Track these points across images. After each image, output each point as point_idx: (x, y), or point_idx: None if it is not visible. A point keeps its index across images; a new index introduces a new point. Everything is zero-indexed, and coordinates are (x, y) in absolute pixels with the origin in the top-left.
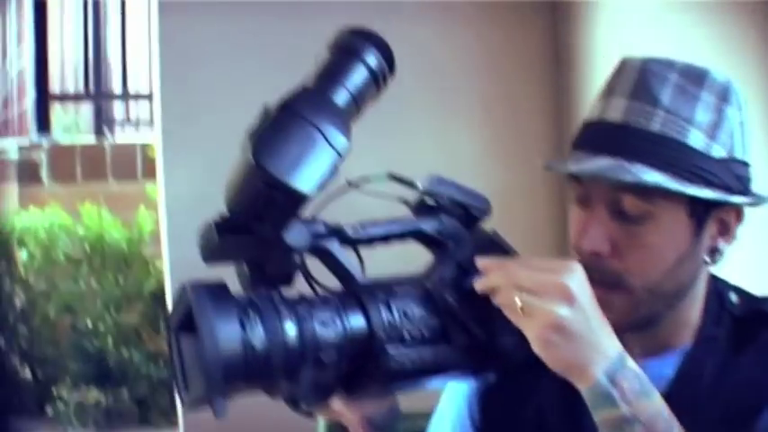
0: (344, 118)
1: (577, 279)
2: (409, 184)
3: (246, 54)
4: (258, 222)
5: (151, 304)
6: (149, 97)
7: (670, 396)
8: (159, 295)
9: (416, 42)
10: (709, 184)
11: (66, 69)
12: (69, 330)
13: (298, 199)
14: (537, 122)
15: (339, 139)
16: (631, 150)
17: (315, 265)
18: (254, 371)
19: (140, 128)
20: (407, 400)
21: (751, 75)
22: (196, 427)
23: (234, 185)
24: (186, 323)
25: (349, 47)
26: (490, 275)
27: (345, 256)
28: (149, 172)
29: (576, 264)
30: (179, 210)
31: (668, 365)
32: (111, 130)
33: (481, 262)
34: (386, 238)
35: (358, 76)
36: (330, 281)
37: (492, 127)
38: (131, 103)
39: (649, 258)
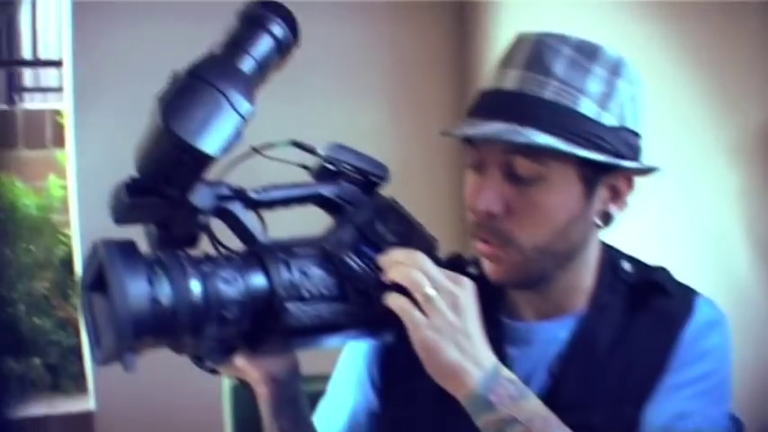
0: (249, 84)
1: (467, 292)
2: (310, 150)
3: (158, 21)
4: (166, 184)
5: (61, 272)
6: (59, 64)
7: (566, 358)
8: (69, 262)
9: (320, 17)
10: (599, 148)
11: None
12: None
13: (203, 160)
14: (438, 93)
15: (243, 104)
16: (524, 115)
17: (219, 229)
18: (161, 326)
19: (51, 96)
20: (309, 363)
21: (658, 72)
22: (105, 393)
23: (143, 148)
24: (98, 282)
25: (256, 17)
26: (396, 264)
27: (248, 217)
28: (60, 139)
29: (469, 280)
30: (89, 177)
31: (563, 328)
32: (22, 98)
33: (393, 254)
34: (287, 202)
35: (263, 45)
36: (233, 244)
37: (393, 98)
38: (42, 70)
39: (540, 218)
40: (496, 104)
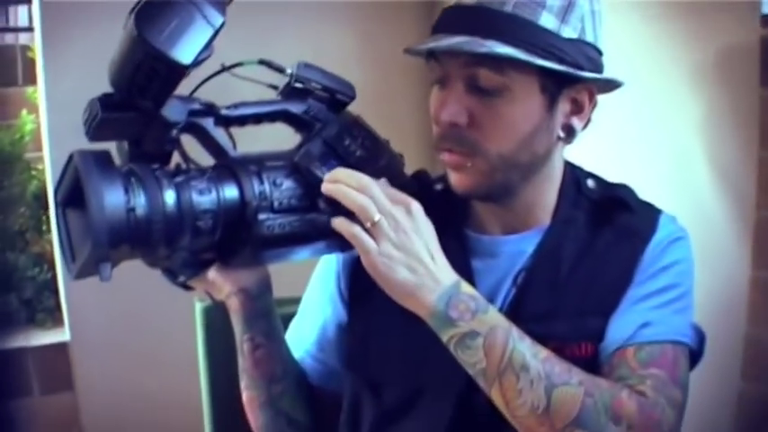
0: None
1: (415, 213)
2: (279, 69)
3: None
4: (140, 96)
5: (34, 207)
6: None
7: (530, 269)
8: (42, 198)
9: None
10: (559, 60)
11: None
12: None
13: (177, 70)
14: (406, 16)
15: (215, 16)
16: (485, 28)
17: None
18: (136, 236)
19: (22, 33)
20: (279, 287)
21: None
22: (80, 325)
23: (117, 61)
24: (72, 195)
25: None
26: (340, 186)
27: (219, 133)
28: (31, 76)
29: (416, 201)
30: (60, 112)
31: (528, 242)
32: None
33: (340, 172)
34: (256, 118)
35: None
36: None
37: (361, 24)
38: (12, 8)
39: (504, 128)
40: (458, 19)
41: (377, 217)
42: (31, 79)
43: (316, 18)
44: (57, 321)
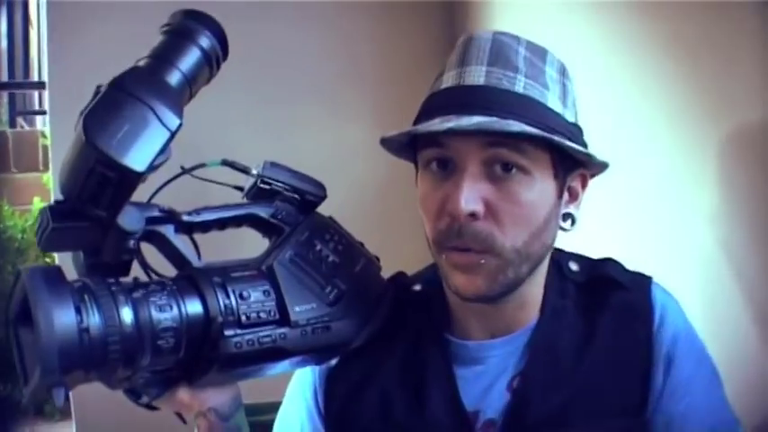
0: (177, 98)
1: None
2: (243, 170)
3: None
4: (92, 205)
5: None
6: (42, 85)
7: (527, 372)
8: None
9: (309, 37)
10: (572, 141)
11: None
12: None
13: (130, 178)
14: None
15: (171, 119)
16: (501, 108)
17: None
18: (91, 358)
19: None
20: (256, 392)
21: (646, 75)
22: (87, 420)
23: (67, 167)
24: (24, 314)
25: (182, 29)
26: None
27: (180, 241)
28: (45, 161)
29: None
30: None
31: (517, 343)
32: (29, 121)
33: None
34: (221, 223)
35: (191, 58)
36: (166, 270)
37: (382, 121)
38: (42, 92)
39: (523, 216)
40: (467, 99)
41: None
42: (47, 166)
43: (337, 111)
44: (64, 414)
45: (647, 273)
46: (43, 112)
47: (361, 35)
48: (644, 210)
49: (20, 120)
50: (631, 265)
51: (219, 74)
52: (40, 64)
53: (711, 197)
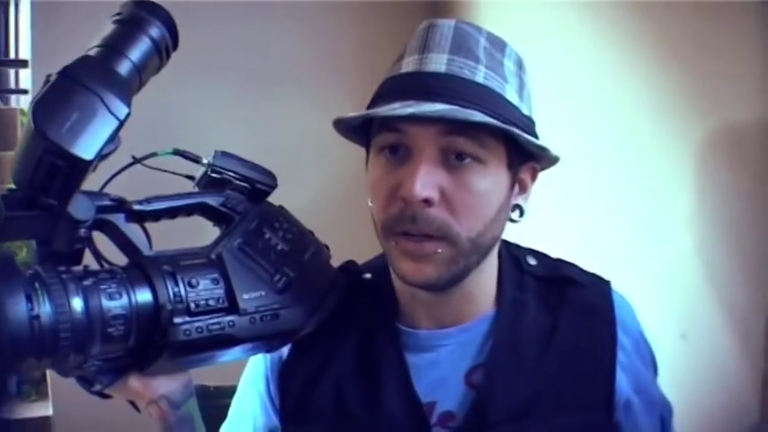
0: (126, 87)
1: None
2: (194, 159)
3: None
4: (42, 194)
5: None
6: (25, 64)
7: (489, 365)
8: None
9: (293, 32)
10: (528, 134)
11: None
12: None
13: (79, 166)
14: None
15: (120, 107)
16: (463, 97)
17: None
18: (42, 346)
19: (22, 97)
20: (221, 376)
21: (630, 74)
22: (63, 400)
23: (18, 155)
24: None
25: (133, 18)
26: None
27: (131, 229)
28: None
29: None
30: None
31: (470, 333)
32: (4, 99)
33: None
34: (172, 212)
35: (141, 47)
36: (118, 258)
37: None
38: (13, 71)
39: (477, 205)
40: (428, 86)
41: None
42: None
43: (319, 97)
44: (41, 394)
45: (616, 271)
46: (24, 91)
47: (346, 33)
48: (622, 208)
49: None
50: (608, 263)
51: (203, 66)
52: (18, 42)
53: (690, 199)
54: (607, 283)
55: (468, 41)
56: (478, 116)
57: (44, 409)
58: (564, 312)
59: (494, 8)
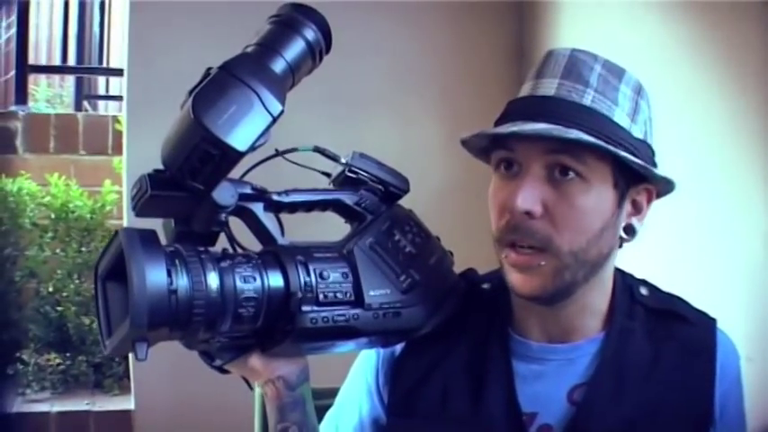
0: (280, 85)
1: None
2: (333, 158)
3: (213, 35)
4: (190, 178)
5: None
6: (120, 72)
7: (592, 384)
8: None
9: (384, 38)
10: (634, 156)
11: (50, 42)
12: (33, 295)
13: (231, 156)
14: (495, 106)
15: (274, 104)
16: (566, 117)
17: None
18: (176, 318)
19: (114, 103)
20: (316, 377)
21: (709, 74)
22: (146, 395)
23: (172, 140)
24: (114, 271)
25: (290, 20)
26: None
27: (268, 218)
28: (118, 146)
29: None
30: None
31: (578, 352)
32: (93, 105)
33: None
34: (308, 206)
35: (296, 48)
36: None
37: (453, 121)
38: (109, 78)
39: (578, 220)
40: (536, 108)
41: None
42: (117, 149)
43: (408, 110)
44: (124, 389)
45: (681, 286)
46: (119, 98)
47: (432, 41)
48: (694, 227)
49: (85, 103)
50: (680, 282)
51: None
52: (109, 50)
53: (763, 216)
54: (713, 321)
55: (579, 67)
56: (575, 133)
57: (126, 403)
58: (667, 345)
59: (576, 13)
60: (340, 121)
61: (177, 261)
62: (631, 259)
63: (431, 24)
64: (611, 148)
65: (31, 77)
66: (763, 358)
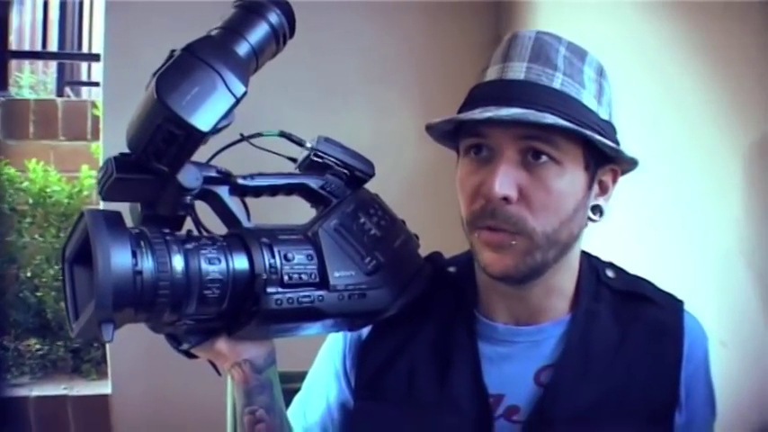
0: (244, 67)
1: None
2: (298, 142)
3: (189, 21)
4: (155, 159)
5: None
6: (97, 57)
7: (558, 366)
8: None
9: (360, 29)
10: (603, 137)
11: (33, 28)
12: (13, 281)
13: (195, 137)
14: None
15: (237, 85)
16: (539, 102)
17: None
18: (141, 299)
19: (97, 89)
20: (286, 361)
21: (677, 76)
22: (122, 380)
23: (136, 122)
24: (81, 254)
25: (254, 5)
26: None
27: (233, 201)
28: (96, 132)
29: None
30: None
31: (544, 334)
32: (76, 91)
33: None
34: (273, 190)
35: (260, 32)
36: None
37: (427, 113)
38: (91, 64)
39: (554, 203)
40: (507, 93)
41: None
42: (96, 135)
43: (380, 95)
44: (101, 374)
45: (657, 273)
46: (96, 84)
47: (409, 34)
48: (666, 212)
49: (67, 89)
50: (652, 267)
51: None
52: (91, 36)
53: (735, 202)
54: (681, 303)
55: (547, 50)
56: (550, 118)
57: (103, 388)
58: (634, 327)
59: (552, 10)
60: (316, 109)
61: (142, 242)
62: (603, 243)
63: (408, 18)
64: (586, 131)
65: (16, 64)
66: (735, 343)
